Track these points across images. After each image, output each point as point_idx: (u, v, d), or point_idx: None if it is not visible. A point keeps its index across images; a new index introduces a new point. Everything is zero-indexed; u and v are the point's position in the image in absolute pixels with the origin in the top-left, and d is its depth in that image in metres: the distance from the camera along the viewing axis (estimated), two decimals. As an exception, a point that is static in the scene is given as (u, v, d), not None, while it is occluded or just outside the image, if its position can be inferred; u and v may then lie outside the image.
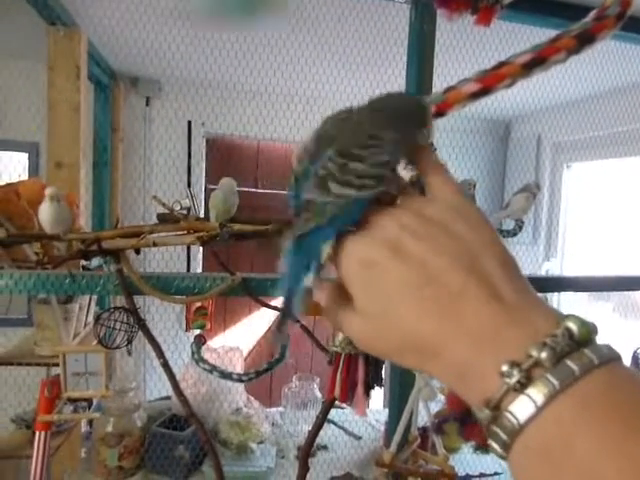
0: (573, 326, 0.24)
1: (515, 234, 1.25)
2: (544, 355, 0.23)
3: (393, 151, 0.35)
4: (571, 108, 2.69)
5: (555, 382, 0.22)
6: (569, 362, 0.23)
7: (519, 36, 1.48)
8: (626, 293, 2.51)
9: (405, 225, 0.30)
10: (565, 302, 2.92)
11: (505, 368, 0.23)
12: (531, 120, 3.09)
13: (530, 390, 0.23)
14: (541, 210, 3.02)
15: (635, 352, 1.95)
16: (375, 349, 0.30)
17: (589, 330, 0.24)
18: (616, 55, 1.89)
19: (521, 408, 0.23)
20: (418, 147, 0.35)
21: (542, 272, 2.87)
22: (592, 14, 0.74)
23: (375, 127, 0.36)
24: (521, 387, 0.23)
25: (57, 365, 1.25)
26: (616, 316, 2.63)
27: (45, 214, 0.92)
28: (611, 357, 0.23)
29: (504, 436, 0.23)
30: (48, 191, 0.91)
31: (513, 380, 0.23)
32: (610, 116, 2.41)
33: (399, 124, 0.35)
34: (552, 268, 2.82)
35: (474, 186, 1.14)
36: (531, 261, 3.03)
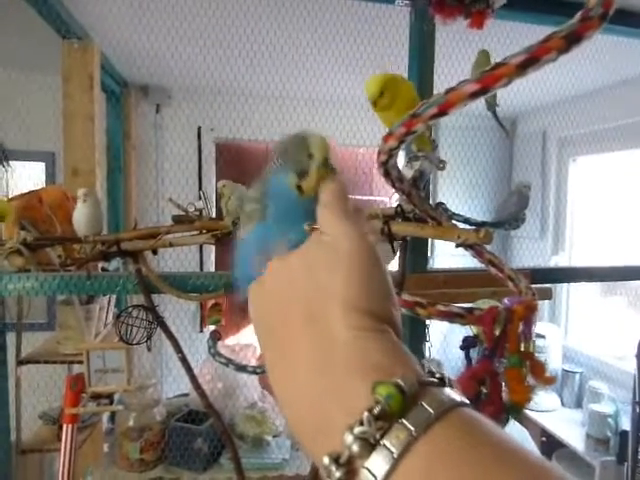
0: (381, 399, 0.21)
1: (517, 227, 1.28)
2: (355, 449, 0.21)
3: (254, 198, 0.37)
4: (575, 103, 2.71)
5: (380, 472, 0.20)
6: (382, 447, 0.21)
7: (517, 34, 1.52)
8: (637, 288, 2.52)
9: (276, 277, 0.30)
10: (577, 298, 2.93)
11: (326, 462, 0.22)
12: (536, 116, 3.11)
13: None
14: (549, 204, 3.04)
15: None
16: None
17: (399, 400, 0.21)
18: (617, 49, 1.91)
19: None
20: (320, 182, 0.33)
21: (551, 265, 2.88)
22: (578, 15, 0.78)
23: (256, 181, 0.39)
24: None
25: (80, 363, 1.31)
26: (631, 311, 2.63)
27: (83, 214, 0.98)
28: (438, 415, 0.21)
29: None
30: (93, 192, 0.98)
31: (335, 477, 0.21)
32: (613, 110, 2.42)
33: (284, 162, 0.37)
34: (561, 261, 2.83)
35: (529, 188, 1.19)
36: (540, 255, 3.04)
